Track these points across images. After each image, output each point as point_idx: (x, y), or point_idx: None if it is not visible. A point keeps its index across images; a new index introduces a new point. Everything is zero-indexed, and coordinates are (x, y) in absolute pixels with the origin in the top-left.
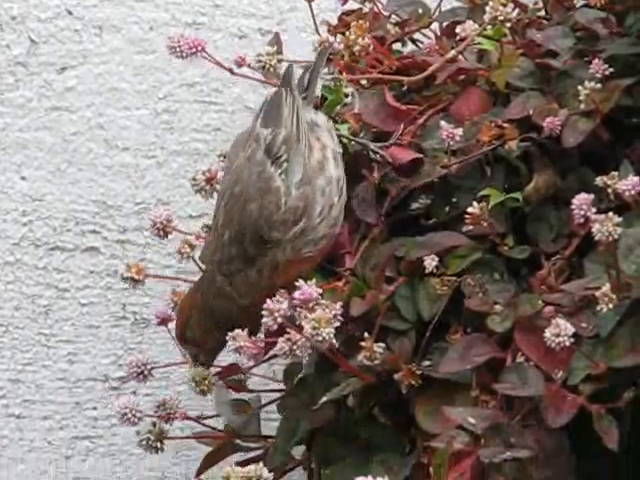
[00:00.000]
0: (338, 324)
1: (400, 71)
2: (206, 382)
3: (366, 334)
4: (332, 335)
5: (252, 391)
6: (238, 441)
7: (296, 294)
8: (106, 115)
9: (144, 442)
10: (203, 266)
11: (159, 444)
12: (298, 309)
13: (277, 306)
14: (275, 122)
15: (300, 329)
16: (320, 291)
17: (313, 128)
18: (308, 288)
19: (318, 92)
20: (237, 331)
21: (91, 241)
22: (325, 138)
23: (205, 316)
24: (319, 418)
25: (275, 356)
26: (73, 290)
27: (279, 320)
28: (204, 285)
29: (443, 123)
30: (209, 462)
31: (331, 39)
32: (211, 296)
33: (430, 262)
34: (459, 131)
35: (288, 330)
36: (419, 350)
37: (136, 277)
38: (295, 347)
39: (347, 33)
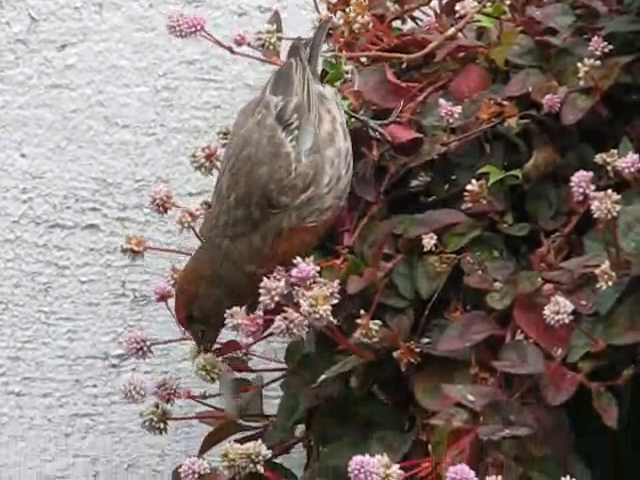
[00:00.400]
0: (335, 301)
1: (400, 48)
2: (216, 370)
3: (362, 311)
4: (329, 312)
5: (253, 370)
6: (240, 420)
7: (293, 272)
8: (106, 92)
9: (147, 423)
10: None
11: (162, 425)
12: (295, 287)
13: (274, 284)
14: (286, 90)
15: (297, 307)
16: (318, 269)
17: (322, 100)
18: (305, 266)
19: (320, 67)
20: (235, 308)
21: (91, 218)
22: (334, 110)
23: (214, 285)
24: (318, 396)
25: (273, 334)
26: (73, 267)
27: (276, 298)
28: (208, 254)
29: (442, 101)
30: (211, 441)
31: (330, 15)
32: (218, 263)
33: (429, 240)
34: (458, 109)
35: (285, 308)
36: (418, 328)
37: (136, 249)
38: (292, 325)
39: (347, 10)
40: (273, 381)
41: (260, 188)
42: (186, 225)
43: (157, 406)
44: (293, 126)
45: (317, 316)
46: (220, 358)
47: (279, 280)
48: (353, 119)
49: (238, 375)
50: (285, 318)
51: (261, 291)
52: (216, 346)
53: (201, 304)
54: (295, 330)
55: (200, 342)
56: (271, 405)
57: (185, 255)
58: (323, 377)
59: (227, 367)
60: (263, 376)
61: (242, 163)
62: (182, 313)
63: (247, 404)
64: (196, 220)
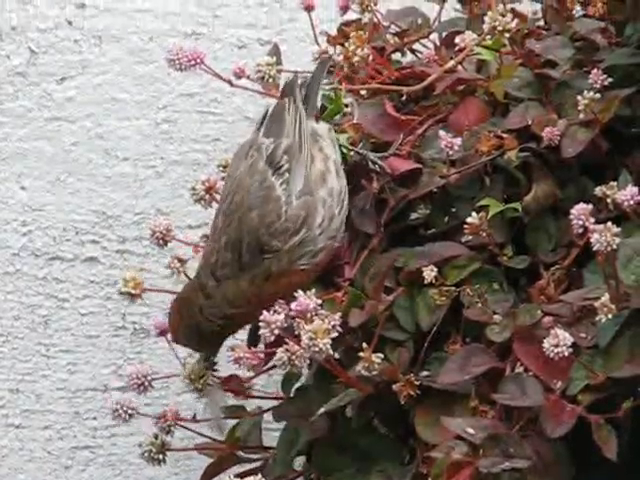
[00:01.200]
0: (336, 335)
1: (399, 81)
2: (201, 381)
3: (364, 344)
4: (329, 346)
5: (251, 397)
6: (240, 452)
7: (293, 305)
8: (105, 125)
9: (146, 454)
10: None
11: (161, 456)
12: (296, 320)
13: (274, 317)
14: (277, 132)
15: (298, 340)
16: (318, 302)
17: (316, 138)
18: (304, 299)
19: (318, 104)
20: (236, 342)
21: (90, 251)
22: (327, 149)
23: (189, 323)
24: (318, 428)
25: (274, 367)
26: (73, 300)
27: (276, 331)
28: (191, 291)
29: (442, 133)
30: (210, 474)
31: (331, 50)
32: (197, 302)
33: (429, 272)
34: (458, 141)
35: (287, 341)
36: (418, 360)
37: (133, 292)
38: (294, 357)
39: (346, 44)
40: (270, 409)
41: (252, 232)
42: (175, 271)
43: (156, 437)
44: (283, 169)
45: (317, 349)
46: (210, 371)
47: (279, 313)
48: (352, 152)
49: (236, 402)
50: (287, 350)
51: (261, 324)
52: (216, 380)
53: (183, 334)
54: (297, 362)
55: (201, 358)
56: (271, 438)
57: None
58: (322, 410)
59: (217, 382)
60: (262, 406)
61: (235, 207)
62: (173, 337)
63: (246, 435)
64: (184, 265)
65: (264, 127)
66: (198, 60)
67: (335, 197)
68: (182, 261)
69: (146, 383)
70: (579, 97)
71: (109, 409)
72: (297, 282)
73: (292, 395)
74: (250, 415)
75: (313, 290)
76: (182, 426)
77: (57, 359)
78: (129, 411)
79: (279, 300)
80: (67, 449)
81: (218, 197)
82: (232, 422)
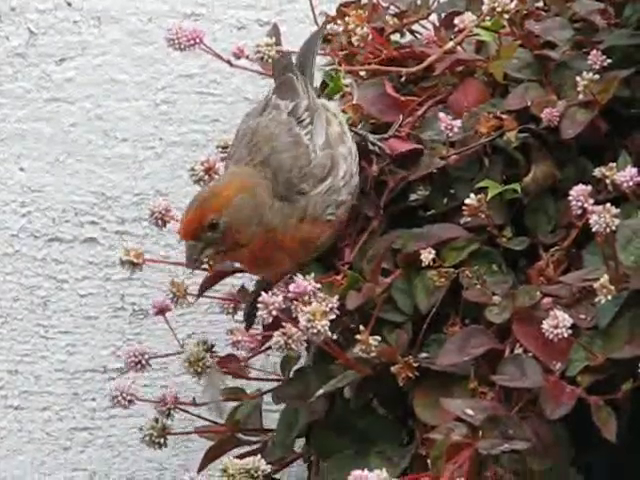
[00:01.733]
0: (333, 317)
1: (398, 62)
2: (200, 364)
3: (361, 327)
4: (327, 328)
5: (250, 378)
6: (240, 435)
7: (291, 287)
8: (105, 106)
9: (147, 438)
10: None
11: (162, 440)
12: (294, 302)
13: (272, 299)
14: (292, 95)
15: (296, 322)
16: (317, 285)
17: (327, 107)
18: (302, 281)
19: (316, 79)
20: (235, 325)
21: (90, 232)
22: (340, 117)
23: (254, 202)
24: (316, 410)
25: (271, 347)
26: (72, 281)
27: (274, 313)
28: (253, 176)
29: (442, 114)
30: (210, 456)
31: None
32: (261, 187)
33: (427, 255)
34: (458, 122)
35: (284, 323)
36: (416, 342)
37: (135, 261)
38: (291, 340)
39: (346, 19)
40: (269, 391)
41: (284, 172)
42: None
43: (157, 421)
44: (306, 122)
45: (315, 331)
46: (209, 354)
47: (277, 295)
48: (352, 133)
49: (235, 384)
50: (284, 333)
51: (259, 305)
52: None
53: (234, 212)
54: (294, 345)
55: (192, 258)
56: (270, 419)
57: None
58: (321, 392)
59: (215, 365)
60: (261, 388)
61: (261, 149)
62: (205, 218)
63: (246, 418)
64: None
65: (276, 92)
66: (197, 39)
67: (353, 157)
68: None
69: (143, 361)
70: (578, 78)
71: (108, 395)
72: (324, 236)
73: (291, 377)
74: (249, 397)
75: (312, 274)
76: (182, 409)
77: (56, 340)
78: (128, 397)
79: (302, 253)
80: (66, 430)
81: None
82: (231, 404)
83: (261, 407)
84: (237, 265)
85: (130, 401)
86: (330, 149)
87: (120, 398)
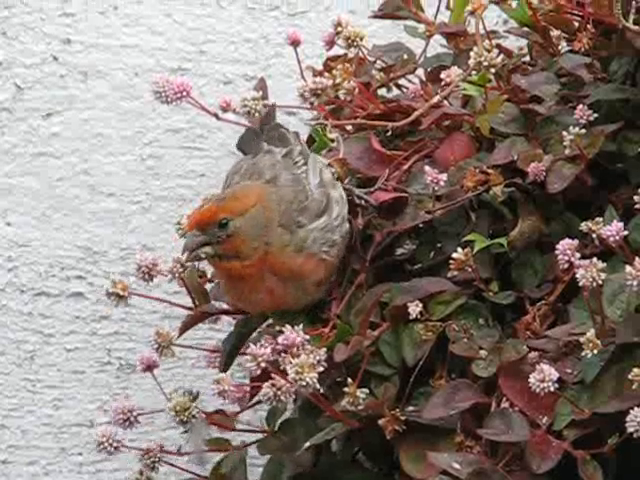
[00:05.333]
0: (322, 369)
1: (385, 115)
2: (186, 413)
3: (349, 379)
4: (315, 380)
5: (236, 430)
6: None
7: (279, 339)
8: (91, 161)
9: None
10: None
11: None
12: (282, 354)
13: (261, 351)
14: (285, 144)
15: (284, 374)
16: (306, 337)
17: (318, 159)
18: (291, 333)
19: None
20: (221, 375)
21: (76, 286)
22: (330, 168)
23: (264, 220)
24: (303, 463)
25: (260, 402)
26: (58, 335)
27: (263, 365)
28: (277, 194)
29: (428, 168)
30: None
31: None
32: (281, 208)
33: (414, 308)
34: (444, 176)
35: (272, 375)
36: (403, 395)
37: (121, 293)
38: (280, 392)
39: (333, 72)
40: (255, 442)
41: (287, 202)
42: (176, 275)
43: (141, 473)
44: (300, 163)
45: (303, 383)
46: (194, 403)
47: (266, 347)
48: None
49: (220, 435)
50: (273, 385)
51: (247, 357)
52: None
53: (247, 220)
54: (283, 397)
55: (190, 247)
56: (256, 474)
57: (171, 306)
58: (308, 444)
59: (201, 415)
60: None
61: (265, 171)
62: (217, 215)
63: (232, 471)
64: (185, 270)
65: (268, 142)
66: (185, 92)
67: (345, 204)
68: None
69: (132, 418)
70: (565, 132)
71: (94, 442)
72: (314, 271)
73: (277, 429)
74: (235, 448)
75: (301, 325)
76: (167, 462)
77: (43, 394)
78: (114, 444)
79: (289, 288)
80: None
81: None
82: (214, 456)
83: (246, 460)
84: (219, 305)
85: (116, 448)
86: (324, 189)
87: (106, 444)
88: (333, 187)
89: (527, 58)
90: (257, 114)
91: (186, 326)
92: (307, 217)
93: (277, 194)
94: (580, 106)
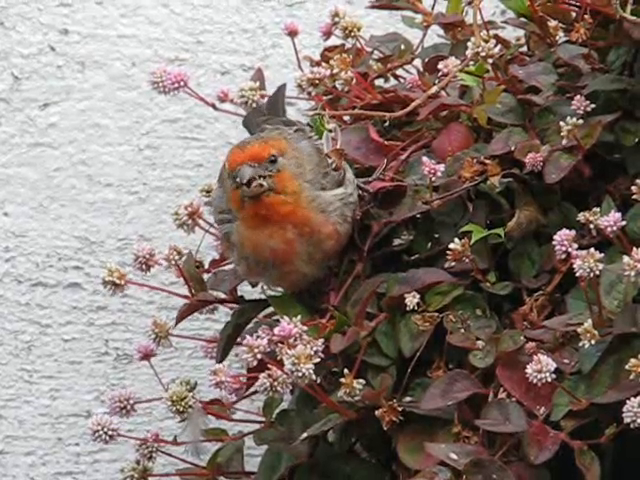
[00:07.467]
0: (318, 360)
1: (383, 106)
2: (183, 403)
3: (346, 370)
4: (312, 371)
5: (233, 420)
6: (221, 478)
7: (276, 330)
8: (89, 151)
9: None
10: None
11: None
12: (279, 345)
13: (257, 342)
14: (292, 125)
15: (281, 365)
16: (304, 328)
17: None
18: (287, 325)
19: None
20: (218, 366)
21: (74, 277)
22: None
23: (306, 160)
24: (300, 453)
25: (256, 392)
26: (55, 326)
27: (259, 356)
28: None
29: (425, 159)
30: None
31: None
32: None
33: (411, 299)
34: (441, 167)
35: (269, 366)
36: (400, 386)
37: (118, 281)
38: (276, 383)
39: (330, 62)
40: (251, 433)
41: (313, 163)
42: (173, 262)
43: (138, 462)
44: (315, 138)
45: (300, 374)
46: (192, 393)
47: (262, 338)
48: None
49: (217, 424)
50: (269, 375)
51: (243, 349)
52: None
53: (294, 158)
54: (279, 388)
55: (249, 178)
56: (253, 464)
57: (168, 297)
58: (305, 435)
59: (199, 405)
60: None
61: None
62: (268, 151)
63: (229, 461)
64: (182, 257)
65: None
66: (182, 82)
67: (355, 185)
68: (180, 253)
69: (128, 407)
70: (562, 123)
71: (90, 430)
72: (327, 238)
73: (274, 419)
74: (231, 438)
75: (299, 317)
76: (163, 452)
77: (40, 385)
78: (110, 432)
79: (304, 242)
80: (50, 475)
81: (201, 222)
82: (210, 446)
83: (243, 450)
84: (216, 294)
85: (111, 436)
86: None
87: (101, 432)
88: (346, 167)
89: (524, 48)
90: (254, 104)
91: (183, 314)
92: (330, 183)
93: (304, 152)
94: (577, 96)
